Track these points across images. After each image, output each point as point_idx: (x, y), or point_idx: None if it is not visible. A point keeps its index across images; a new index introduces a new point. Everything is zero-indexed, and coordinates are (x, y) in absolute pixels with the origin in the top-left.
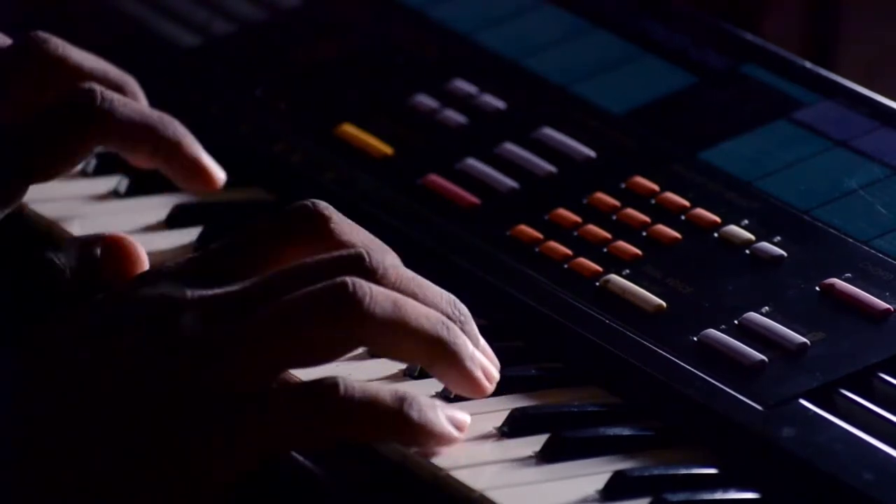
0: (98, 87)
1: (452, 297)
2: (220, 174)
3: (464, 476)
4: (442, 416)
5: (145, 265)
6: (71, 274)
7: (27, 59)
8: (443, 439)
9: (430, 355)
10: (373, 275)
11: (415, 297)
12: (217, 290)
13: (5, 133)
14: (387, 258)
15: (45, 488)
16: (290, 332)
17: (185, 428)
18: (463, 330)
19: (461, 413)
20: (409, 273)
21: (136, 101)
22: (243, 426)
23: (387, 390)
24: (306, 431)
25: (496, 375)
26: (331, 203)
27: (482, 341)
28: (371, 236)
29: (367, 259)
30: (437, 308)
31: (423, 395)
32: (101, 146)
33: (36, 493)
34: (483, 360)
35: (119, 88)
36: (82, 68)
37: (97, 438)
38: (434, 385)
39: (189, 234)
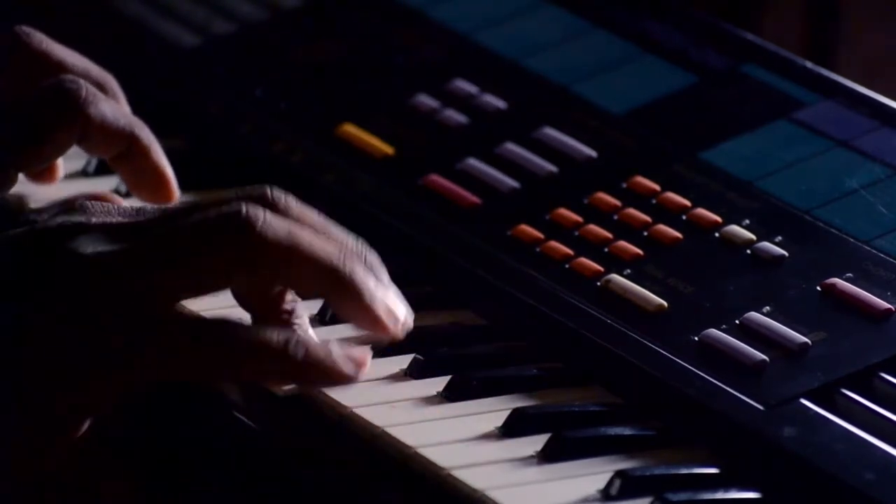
0: (82, 81)
1: (361, 240)
2: (176, 190)
3: (465, 476)
4: (336, 353)
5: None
6: None
7: (10, 53)
8: (337, 376)
9: (324, 284)
10: (274, 206)
11: (314, 227)
12: (120, 219)
13: None
14: (292, 198)
15: None
16: (179, 255)
17: (75, 345)
18: (368, 264)
19: (360, 349)
20: (316, 213)
21: (116, 101)
22: (131, 348)
23: (274, 331)
24: (191, 362)
25: (402, 317)
26: (331, 203)
27: (388, 281)
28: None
29: (270, 193)
30: (338, 241)
31: (316, 338)
32: (77, 138)
33: None
34: (387, 300)
35: (100, 86)
36: (64, 64)
37: None
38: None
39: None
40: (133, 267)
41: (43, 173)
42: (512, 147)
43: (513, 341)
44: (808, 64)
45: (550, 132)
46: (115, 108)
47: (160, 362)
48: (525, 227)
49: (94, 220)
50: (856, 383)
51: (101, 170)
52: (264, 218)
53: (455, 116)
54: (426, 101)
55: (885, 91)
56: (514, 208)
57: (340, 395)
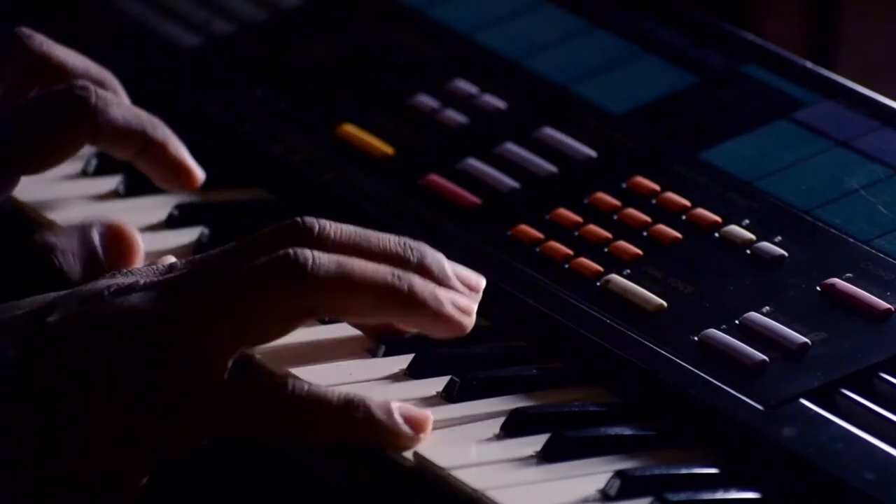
0: (92, 86)
1: (403, 238)
2: (200, 174)
3: (465, 476)
4: (396, 416)
5: (140, 251)
6: (69, 257)
7: (11, 54)
8: (397, 440)
9: (387, 307)
10: (310, 233)
11: (359, 247)
12: (168, 276)
13: None
14: (323, 220)
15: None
16: (235, 307)
17: (136, 404)
18: (421, 264)
19: (421, 412)
20: (350, 227)
21: (124, 100)
22: (189, 406)
23: (336, 392)
24: (250, 422)
25: (469, 305)
26: (331, 203)
27: (450, 267)
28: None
29: (301, 221)
30: (385, 252)
31: (379, 398)
32: (90, 143)
33: None
34: (453, 297)
35: (100, 85)
36: (65, 65)
37: (51, 412)
38: (435, 384)
39: (189, 234)
40: (190, 325)
41: None
42: (512, 147)
43: (513, 341)
44: (808, 64)
45: (550, 132)
46: (125, 108)
47: (215, 421)
48: (525, 227)
49: (142, 280)
50: (856, 383)
51: (102, 170)
52: (312, 258)
53: (455, 116)
54: (426, 101)
55: (885, 91)
56: (514, 208)
57: None
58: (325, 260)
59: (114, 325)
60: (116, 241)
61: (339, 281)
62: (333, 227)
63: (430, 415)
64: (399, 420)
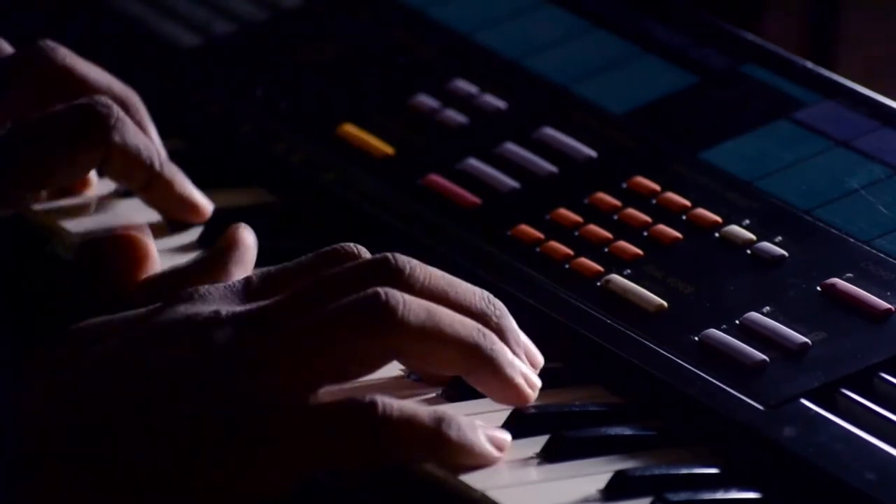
0: (114, 105)
1: (485, 292)
2: (208, 207)
3: (465, 476)
4: (482, 435)
5: (155, 261)
6: (76, 269)
7: (33, 67)
8: (482, 459)
9: (467, 363)
10: (400, 275)
11: (446, 295)
12: (250, 306)
13: (13, 136)
14: (412, 260)
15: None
16: (324, 346)
17: (216, 443)
18: (500, 326)
19: (502, 432)
20: (438, 272)
21: (139, 118)
22: (277, 443)
23: (425, 410)
24: (342, 452)
25: (537, 382)
26: (331, 203)
27: (522, 336)
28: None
29: (393, 261)
30: (470, 306)
31: (462, 416)
32: (101, 163)
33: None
34: (523, 367)
35: (122, 102)
36: (87, 80)
37: (120, 450)
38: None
39: (189, 235)
40: (274, 362)
41: (75, 183)
42: (512, 147)
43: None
44: (808, 64)
45: (550, 132)
46: (141, 138)
47: (309, 457)
48: (525, 227)
49: (223, 310)
50: (856, 383)
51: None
52: (404, 303)
53: (455, 116)
54: (426, 101)
55: (885, 91)
56: (514, 208)
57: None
58: (415, 306)
59: (201, 369)
60: (127, 249)
61: (427, 330)
62: (422, 271)
63: (509, 434)
64: (484, 438)
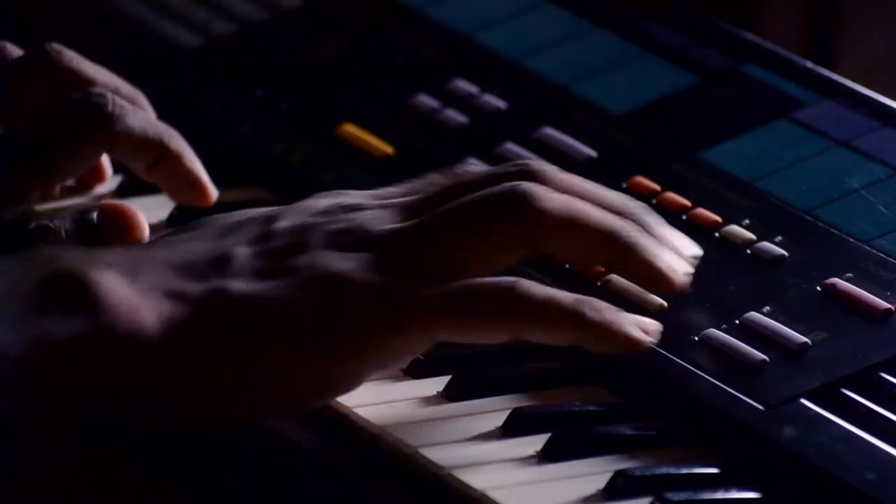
0: (109, 94)
1: (626, 196)
2: (213, 191)
3: (465, 475)
4: (625, 318)
5: (145, 230)
6: (68, 240)
7: (40, 69)
8: (627, 342)
9: (609, 250)
10: (540, 174)
11: (585, 194)
12: (396, 199)
13: (16, 134)
14: (553, 167)
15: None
16: (466, 232)
17: (378, 310)
18: (642, 220)
19: (651, 321)
20: (580, 179)
21: (145, 112)
22: (424, 312)
23: (566, 293)
24: (486, 322)
25: (686, 268)
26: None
27: (667, 228)
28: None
29: (532, 164)
30: (611, 204)
31: (606, 303)
32: (107, 152)
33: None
34: (666, 253)
35: (130, 103)
36: (94, 82)
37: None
38: (435, 384)
39: None
40: (421, 244)
41: (92, 173)
42: (512, 147)
43: (513, 341)
44: (808, 64)
45: (551, 132)
46: (143, 118)
47: (453, 323)
48: None
49: (369, 200)
50: (856, 383)
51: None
52: (543, 193)
53: (455, 116)
54: (426, 101)
55: (885, 91)
56: None
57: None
58: (554, 197)
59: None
60: (116, 218)
61: (567, 217)
62: (562, 174)
63: (659, 324)
64: (628, 322)
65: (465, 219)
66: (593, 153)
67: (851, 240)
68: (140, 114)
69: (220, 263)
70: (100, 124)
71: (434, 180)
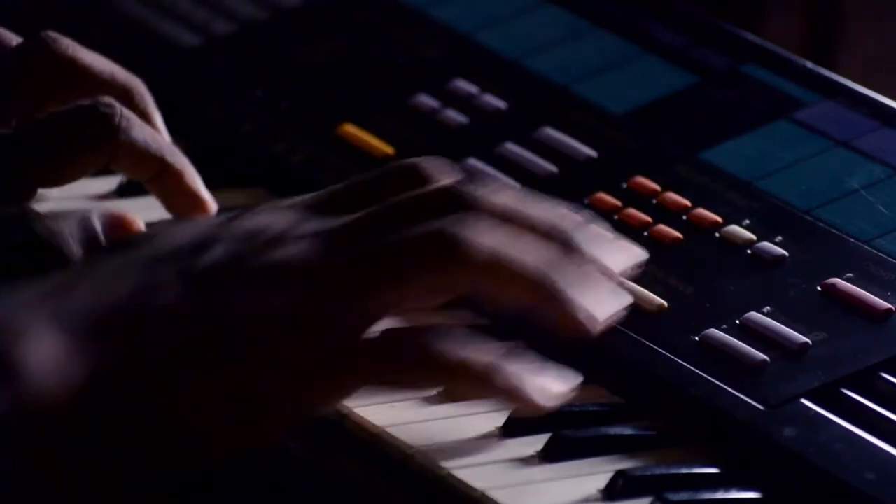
0: (118, 105)
1: (562, 209)
2: (213, 206)
3: (465, 475)
4: (530, 386)
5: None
6: (72, 241)
7: (37, 58)
8: (531, 408)
9: (532, 297)
10: (471, 203)
11: (518, 216)
12: (325, 224)
13: (18, 134)
14: (483, 184)
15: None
16: (389, 278)
17: (291, 355)
18: (576, 247)
19: (560, 384)
20: (509, 192)
21: (146, 109)
22: (333, 358)
23: (481, 352)
24: (399, 383)
25: (607, 312)
26: None
27: (601, 246)
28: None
29: (463, 189)
30: (540, 224)
31: (524, 359)
32: (108, 162)
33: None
34: (591, 302)
35: (127, 91)
36: (91, 69)
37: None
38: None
39: None
40: (335, 287)
41: None
42: (512, 147)
43: (512, 341)
44: (808, 64)
45: (551, 132)
46: (147, 133)
47: (356, 374)
48: None
49: (295, 224)
50: (856, 383)
51: (102, 170)
52: (468, 241)
53: (455, 116)
54: (426, 101)
55: (885, 91)
56: None
57: None
58: (484, 242)
59: (268, 279)
60: (119, 228)
61: (491, 266)
62: (492, 199)
63: (578, 377)
64: (541, 383)
65: (390, 264)
66: (593, 153)
67: (851, 240)
68: (146, 129)
69: (148, 296)
70: (105, 134)
71: (361, 195)
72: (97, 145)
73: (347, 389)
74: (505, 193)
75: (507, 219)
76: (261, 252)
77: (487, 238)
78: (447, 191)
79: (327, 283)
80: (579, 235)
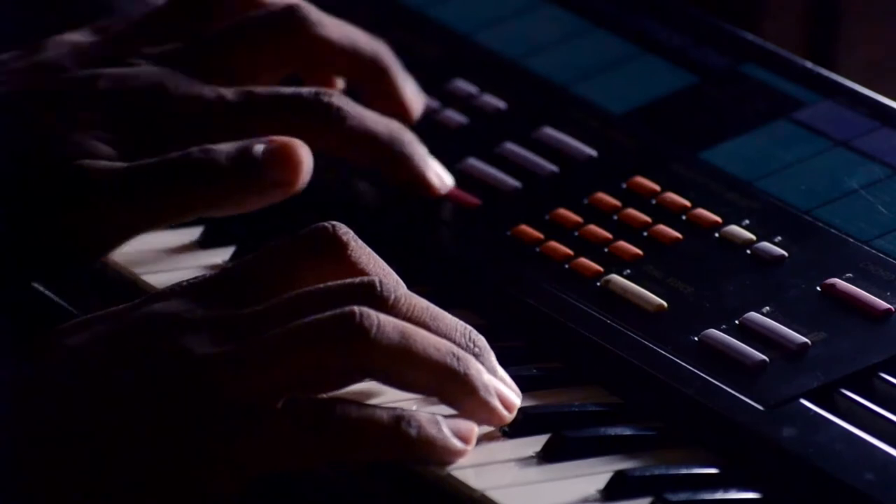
0: (334, 98)
1: (468, 327)
2: (447, 181)
3: (465, 476)
4: (445, 429)
5: (305, 177)
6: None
7: (286, 34)
8: (448, 453)
9: (439, 387)
10: (384, 303)
11: (427, 327)
12: (227, 312)
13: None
14: (399, 288)
15: (47, 490)
16: (294, 359)
17: (186, 442)
18: (478, 361)
19: (466, 423)
20: (423, 303)
21: (395, 96)
22: (240, 443)
23: (384, 410)
24: (303, 451)
25: (515, 402)
26: (330, 204)
27: (500, 371)
28: (386, 266)
29: (379, 287)
30: (449, 339)
31: (424, 412)
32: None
33: (38, 495)
34: (500, 387)
35: (371, 63)
36: (334, 46)
37: (100, 448)
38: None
39: (190, 234)
40: (243, 371)
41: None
42: (512, 147)
43: (512, 341)
44: (808, 64)
45: (550, 132)
46: (375, 118)
47: (267, 456)
48: (525, 227)
49: (199, 313)
50: (855, 383)
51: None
52: (378, 324)
53: (455, 116)
54: (426, 101)
55: (885, 91)
56: (514, 208)
57: None
58: (389, 329)
59: (166, 366)
60: (282, 160)
61: (399, 351)
62: (407, 301)
63: (475, 426)
64: (448, 433)
65: (294, 347)
66: (593, 153)
67: (851, 240)
68: (365, 115)
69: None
70: (324, 127)
71: (267, 284)
72: (320, 135)
73: (264, 465)
74: (419, 301)
75: (418, 322)
76: (172, 339)
77: (395, 327)
78: (363, 285)
79: (230, 372)
80: (484, 351)
